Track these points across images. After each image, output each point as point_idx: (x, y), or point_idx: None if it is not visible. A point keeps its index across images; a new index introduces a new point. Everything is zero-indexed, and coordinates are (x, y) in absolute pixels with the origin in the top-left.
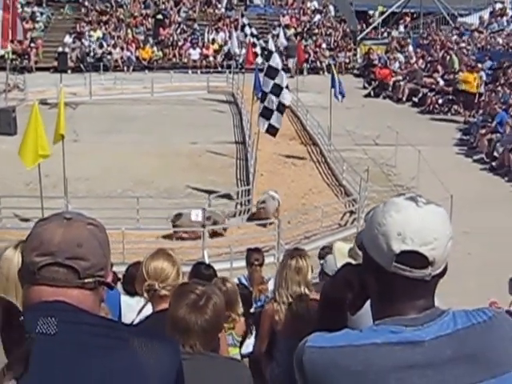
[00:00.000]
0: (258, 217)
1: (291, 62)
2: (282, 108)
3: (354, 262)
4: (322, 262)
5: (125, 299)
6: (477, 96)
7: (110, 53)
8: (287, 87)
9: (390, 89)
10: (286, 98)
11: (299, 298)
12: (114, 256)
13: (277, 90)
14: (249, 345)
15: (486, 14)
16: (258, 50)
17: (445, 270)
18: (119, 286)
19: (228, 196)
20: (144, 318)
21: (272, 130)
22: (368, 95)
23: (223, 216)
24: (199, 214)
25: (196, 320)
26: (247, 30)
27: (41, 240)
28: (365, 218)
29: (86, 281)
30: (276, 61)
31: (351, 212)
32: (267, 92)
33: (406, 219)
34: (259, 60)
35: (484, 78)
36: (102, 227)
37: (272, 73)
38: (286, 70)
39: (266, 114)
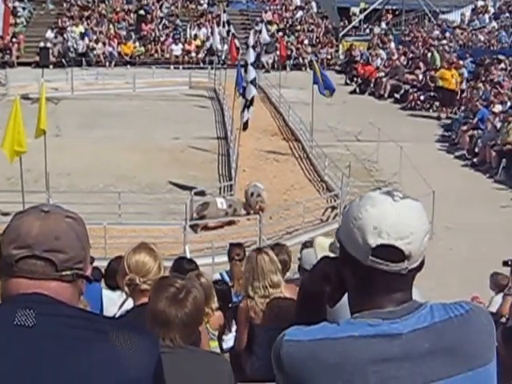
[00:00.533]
0: (258, 211)
1: (267, 58)
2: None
3: (333, 255)
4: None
5: (106, 293)
6: (458, 93)
7: (92, 48)
8: (253, 82)
9: (372, 85)
10: (249, 92)
11: (274, 289)
12: (96, 251)
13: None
14: (228, 340)
15: (467, 11)
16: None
17: (422, 264)
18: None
19: (210, 192)
20: (125, 311)
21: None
22: (353, 92)
23: (241, 204)
24: (223, 202)
25: (176, 313)
26: (226, 27)
27: (18, 232)
28: (342, 212)
29: (64, 273)
30: (250, 56)
31: (333, 207)
32: (245, 86)
33: (381, 213)
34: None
35: (465, 74)
36: (80, 220)
37: (247, 66)
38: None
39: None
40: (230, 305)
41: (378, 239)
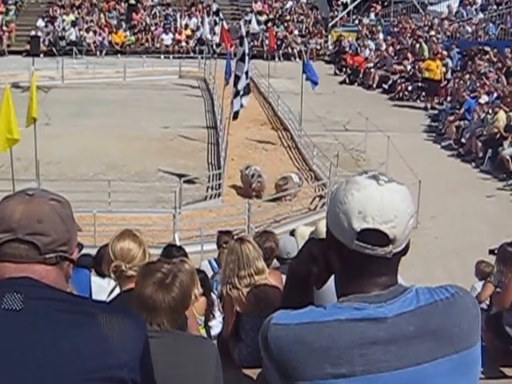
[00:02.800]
0: (250, 191)
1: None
2: (247, 90)
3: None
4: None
5: (96, 280)
6: (442, 83)
7: (82, 37)
8: (247, 73)
9: (361, 75)
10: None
11: (259, 275)
12: (86, 239)
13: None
14: (215, 327)
15: (455, 3)
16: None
17: (406, 247)
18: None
19: (199, 180)
20: (112, 298)
21: (236, 113)
22: (343, 82)
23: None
24: (296, 176)
25: (163, 298)
26: (216, 17)
27: (2, 217)
28: (323, 205)
29: (48, 256)
30: (245, 46)
31: (321, 196)
32: (240, 76)
33: (366, 197)
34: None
35: (450, 65)
36: (66, 203)
37: (243, 57)
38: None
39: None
40: (211, 292)
41: (362, 223)
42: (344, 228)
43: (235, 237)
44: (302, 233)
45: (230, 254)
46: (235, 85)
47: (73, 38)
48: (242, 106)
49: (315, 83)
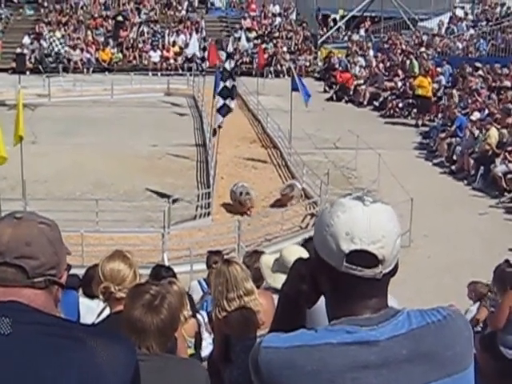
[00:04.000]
0: (240, 208)
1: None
2: (225, 110)
3: (282, 276)
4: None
5: (84, 301)
6: (434, 100)
7: (69, 54)
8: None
9: (352, 92)
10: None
11: (248, 296)
12: (73, 259)
13: (225, 92)
14: (204, 348)
15: (445, 19)
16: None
17: (395, 268)
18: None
19: (188, 199)
20: (101, 319)
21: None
22: (330, 99)
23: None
24: (298, 184)
25: (152, 320)
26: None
27: None
28: (314, 220)
29: (36, 280)
30: (230, 64)
31: (312, 215)
32: (216, 93)
33: (353, 219)
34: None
35: (443, 82)
36: (54, 226)
37: (224, 75)
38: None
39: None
40: (197, 313)
41: (350, 245)
42: (332, 250)
43: (224, 257)
44: (267, 261)
45: (217, 277)
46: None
47: (62, 54)
48: (230, 109)
49: (308, 96)
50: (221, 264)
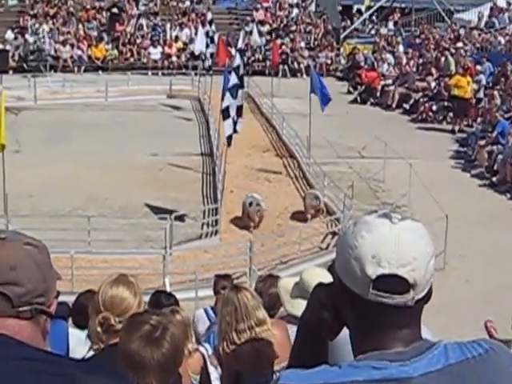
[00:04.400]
0: (249, 221)
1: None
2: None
3: (302, 302)
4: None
5: (74, 332)
6: (472, 102)
7: (58, 51)
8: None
9: (378, 94)
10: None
11: (261, 327)
12: (62, 284)
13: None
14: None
15: (485, 10)
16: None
17: (429, 293)
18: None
19: (193, 216)
20: (96, 353)
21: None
22: (354, 101)
23: None
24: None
25: (152, 354)
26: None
27: None
28: (336, 241)
29: (22, 309)
30: (237, 61)
31: (333, 233)
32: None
33: (379, 239)
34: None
35: (483, 82)
36: (42, 248)
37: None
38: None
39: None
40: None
41: (377, 269)
42: (356, 276)
43: (234, 282)
44: (286, 285)
45: (225, 306)
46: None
47: (48, 51)
48: (235, 131)
49: (328, 100)
50: (228, 291)
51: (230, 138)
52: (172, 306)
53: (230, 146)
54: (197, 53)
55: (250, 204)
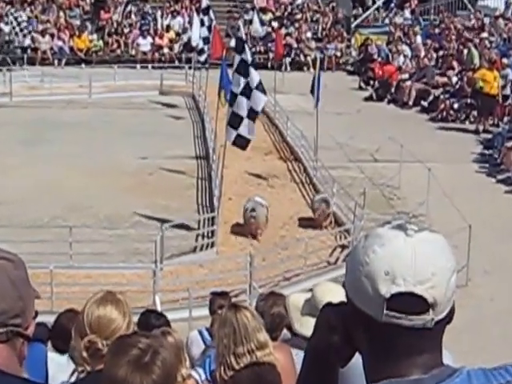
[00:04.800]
0: (247, 229)
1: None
2: (252, 114)
3: (312, 321)
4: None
5: (53, 357)
6: (499, 99)
7: (36, 42)
8: (259, 87)
9: (393, 90)
10: (258, 101)
11: (262, 350)
12: (41, 302)
13: (248, 90)
14: None
15: None
16: (232, 42)
17: (451, 313)
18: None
19: (187, 226)
20: (79, 379)
21: (241, 142)
22: (369, 98)
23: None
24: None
25: (141, 381)
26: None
27: None
28: (346, 256)
29: None
30: (247, 53)
31: (343, 246)
32: (237, 93)
33: (393, 254)
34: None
35: (510, 76)
36: (18, 263)
37: (243, 68)
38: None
39: (234, 121)
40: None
41: (392, 287)
42: (369, 295)
43: (232, 301)
44: (296, 302)
45: (222, 327)
46: (231, 105)
47: (21, 42)
48: (240, 136)
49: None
50: (226, 310)
51: (246, 140)
52: (163, 328)
53: (244, 149)
54: (194, 44)
55: (246, 210)
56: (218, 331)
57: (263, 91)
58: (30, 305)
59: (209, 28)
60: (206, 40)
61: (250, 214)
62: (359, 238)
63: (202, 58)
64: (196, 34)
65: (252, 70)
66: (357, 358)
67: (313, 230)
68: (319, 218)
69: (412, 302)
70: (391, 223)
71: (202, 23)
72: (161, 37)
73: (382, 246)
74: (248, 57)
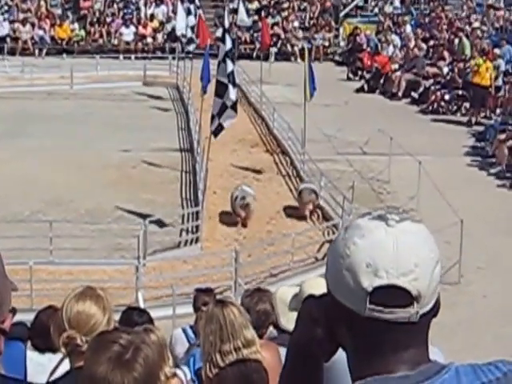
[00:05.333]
0: (235, 218)
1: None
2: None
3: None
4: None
5: (32, 356)
6: (492, 91)
7: (17, 31)
8: (230, 77)
9: (382, 81)
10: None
11: (249, 348)
12: (20, 300)
13: (232, 79)
14: None
15: None
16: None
17: (436, 305)
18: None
19: (170, 221)
20: (58, 376)
21: (218, 131)
22: (361, 90)
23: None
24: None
25: (122, 379)
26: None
27: None
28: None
29: None
30: (228, 43)
31: (331, 242)
32: (226, 83)
33: (374, 245)
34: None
35: (502, 67)
36: None
37: (226, 57)
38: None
39: (220, 111)
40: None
41: (374, 280)
42: (350, 289)
43: (217, 297)
44: (284, 296)
45: (208, 323)
46: (220, 95)
47: (5, 31)
48: (221, 127)
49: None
50: (213, 306)
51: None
52: (145, 325)
53: (216, 137)
54: (178, 33)
55: (236, 198)
56: (204, 328)
57: (233, 83)
58: (6, 298)
59: (195, 16)
60: (193, 29)
61: (241, 203)
62: (339, 231)
63: (192, 48)
64: (181, 23)
65: (228, 61)
66: (342, 352)
67: (298, 221)
68: (308, 208)
69: (395, 295)
70: (371, 214)
71: (189, 12)
72: (144, 26)
73: (363, 237)
74: (226, 47)
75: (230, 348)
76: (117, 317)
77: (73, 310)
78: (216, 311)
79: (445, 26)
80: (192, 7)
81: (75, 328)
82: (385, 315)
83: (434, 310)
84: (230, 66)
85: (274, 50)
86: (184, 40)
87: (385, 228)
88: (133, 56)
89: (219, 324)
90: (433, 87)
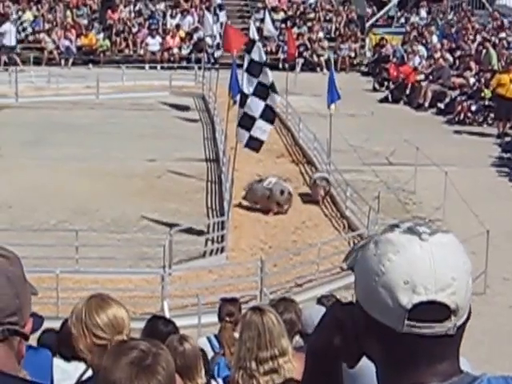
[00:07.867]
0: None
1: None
2: (269, 114)
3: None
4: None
5: (59, 364)
6: None
7: (43, 42)
8: (272, 87)
9: (408, 91)
10: (274, 100)
11: (283, 357)
12: (46, 308)
13: (262, 90)
14: None
15: None
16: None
17: (469, 315)
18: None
19: (196, 230)
20: (83, 380)
21: (254, 144)
22: (384, 100)
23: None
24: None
25: (148, 383)
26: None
27: None
28: (347, 263)
29: None
30: (260, 53)
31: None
32: (248, 94)
33: (411, 261)
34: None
35: None
36: (14, 259)
37: (255, 69)
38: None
39: (246, 122)
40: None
41: (413, 296)
42: (387, 306)
43: (251, 306)
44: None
45: (247, 330)
46: (242, 106)
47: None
48: (252, 138)
49: (332, 100)
50: (251, 313)
51: (259, 142)
52: (180, 334)
53: (257, 152)
54: (207, 40)
55: (282, 192)
56: (242, 334)
57: (275, 91)
58: (27, 302)
59: (221, 25)
60: (221, 36)
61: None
62: (366, 246)
63: (217, 54)
64: (209, 30)
65: (266, 69)
66: (369, 361)
67: (323, 231)
68: (320, 194)
69: (433, 310)
70: (400, 227)
71: (218, 19)
72: (173, 36)
73: (398, 253)
74: (258, 57)
75: (266, 356)
76: (142, 325)
77: (108, 315)
78: (255, 318)
79: (471, 37)
80: (221, 14)
81: (110, 331)
82: (424, 330)
83: (467, 321)
84: (269, 75)
85: (300, 60)
86: (210, 50)
87: (419, 243)
88: (159, 66)
89: (258, 331)
90: (459, 98)
